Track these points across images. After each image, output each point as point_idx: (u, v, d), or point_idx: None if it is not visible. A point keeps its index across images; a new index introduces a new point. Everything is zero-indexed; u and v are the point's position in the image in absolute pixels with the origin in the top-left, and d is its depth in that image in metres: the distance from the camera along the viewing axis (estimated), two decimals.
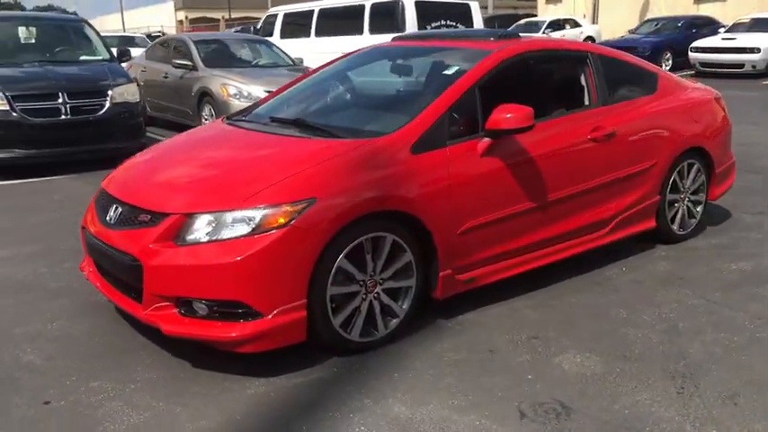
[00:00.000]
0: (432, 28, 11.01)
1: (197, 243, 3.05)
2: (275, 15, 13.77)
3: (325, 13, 12.50)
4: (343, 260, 3.19)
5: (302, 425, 2.79)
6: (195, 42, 10.40)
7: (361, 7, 11.53)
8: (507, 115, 3.61)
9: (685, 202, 4.98)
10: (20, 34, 8.69)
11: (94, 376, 3.19)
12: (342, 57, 4.77)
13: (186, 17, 60.80)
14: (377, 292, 3.38)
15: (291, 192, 3.10)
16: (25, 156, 7.44)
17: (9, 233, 5.52)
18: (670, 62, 19.20)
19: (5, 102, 7.29)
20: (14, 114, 7.31)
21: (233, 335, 3.04)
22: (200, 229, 3.07)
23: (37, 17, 9.64)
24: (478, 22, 11.49)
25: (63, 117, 7.53)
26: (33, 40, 8.72)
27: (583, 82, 4.39)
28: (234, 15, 54.30)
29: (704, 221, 5.34)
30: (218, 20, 56.79)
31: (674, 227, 4.94)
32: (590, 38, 24.10)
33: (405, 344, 3.48)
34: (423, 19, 10.86)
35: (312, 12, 12.72)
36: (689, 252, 4.81)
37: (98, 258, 3.54)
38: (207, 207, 3.11)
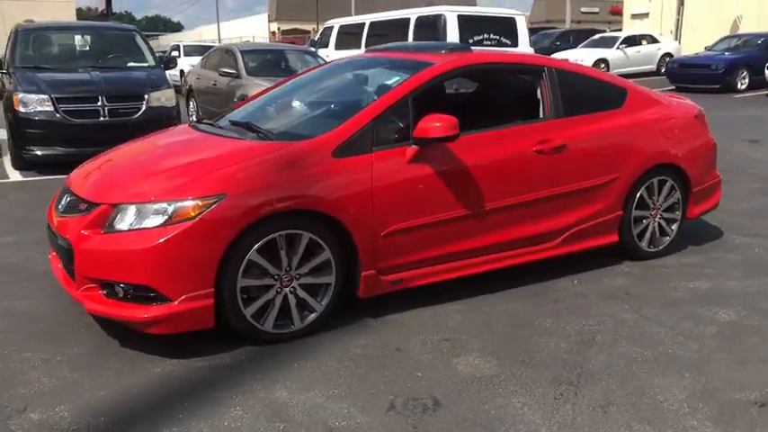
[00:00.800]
0: (473, 41, 11.12)
1: (119, 231, 3.35)
2: (332, 27, 14.22)
3: (375, 26, 12.83)
4: (254, 254, 3.41)
5: (186, 402, 3.02)
6: (243, 52, 10.93)
7: (407, 20, 11.79)
8: (435, 124, 3.74)
9: (656, 219, 4.92)
10: (76, 42, 9.41)
11: (31, 348, 3.54)
12: (315, 67, 5.02)
13: (279, 28, 62.79)
14: (293, 287, 3.58)
15: (203, 188, 3.35)
16: (66, 153, 8.03)
17: (25, 222, 6.03)
18: (746, 80, 18.42)
19: (50, 103, 7.95)
20: (57, 115, 7.95)
21: (144, 316, 3.32)
22: (124, 218, 3.37)
23: (92, 27, 10.38)
24: (524, 36, 11.49)
25: (102, 119, 8.12)
26: (87, 48, 9.42)
27: (535, 95, 4.45)
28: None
29: (689, 239, 5.27)
30: (308, 31, 58.42)
31: (643, 244, 4.89)
32: (667, 54, 23.42)
33: (323, 337, 3.66)
34: (465, 32, 11.00)
35: (364, 24, 13.08)
36: (653, 269, 4.76)
37: (53, 243, 3.91)
38: (129, 199, 3.41)
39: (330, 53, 14.07)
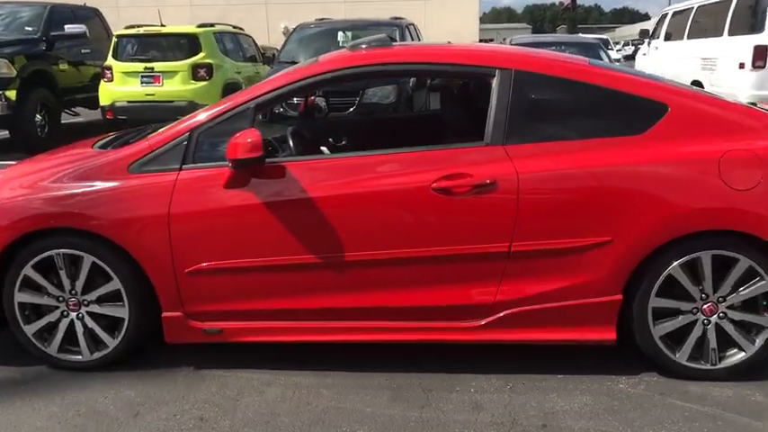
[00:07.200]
0: None
1: None
2: (665, 15, 11.97)
3: (699, 12, 10.34)
4: (29, 269, 3.12)
5: None
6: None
7: (728, 4, 9.24)
8: (246, 140, 2.90)
9: (714, 318, 3.00)
10: (339, 38, 9.86)
11: None
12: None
13: None
14: (81, 314, 3.19)
15: None
16: None
17: None
18: None
19: None
20: None
21: None
22: None
23: (355, 25, 10.57)
24: None
25: None
26: (348, 43, 9.76)
27: (474, 110, 3.07)
28: None
29: None
30: None
31: (678, 354, 3.04)
32: None
33: (107, 373, 3.20)
34: None
35: (691, 10, 10.68)
36: (659, 397, 2.93)
37: None
38: None
39: (659, 45, 11.94)
